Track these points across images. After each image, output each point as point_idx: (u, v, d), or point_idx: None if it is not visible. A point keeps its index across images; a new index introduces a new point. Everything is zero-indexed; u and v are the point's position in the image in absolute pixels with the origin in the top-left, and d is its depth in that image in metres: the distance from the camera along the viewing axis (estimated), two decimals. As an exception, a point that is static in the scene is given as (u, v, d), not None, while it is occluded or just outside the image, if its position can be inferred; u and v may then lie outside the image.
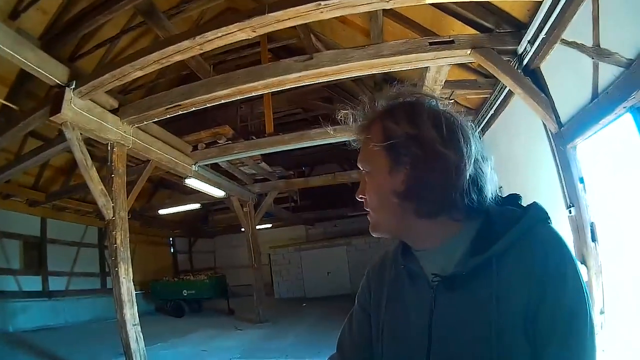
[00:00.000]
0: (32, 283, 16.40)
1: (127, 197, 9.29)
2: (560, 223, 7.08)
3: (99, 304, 17.48)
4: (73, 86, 7.49)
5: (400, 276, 1.57)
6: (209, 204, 19.53)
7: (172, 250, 28.15)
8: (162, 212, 19.65)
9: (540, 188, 7.96)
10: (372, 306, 1.65)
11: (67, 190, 16.10)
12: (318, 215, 26.21)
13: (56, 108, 7.47)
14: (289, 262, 25.85)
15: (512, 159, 9.20)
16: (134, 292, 8.64)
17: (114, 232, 8.57)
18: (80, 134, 8.24)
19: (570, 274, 1.25)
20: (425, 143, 1.36)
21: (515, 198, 1.52)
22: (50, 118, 7.64)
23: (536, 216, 1.37)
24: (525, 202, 1.50)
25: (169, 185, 20.01)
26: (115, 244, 8.51)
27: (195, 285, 20.61)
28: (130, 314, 8.38)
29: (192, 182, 12.96)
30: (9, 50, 6.38)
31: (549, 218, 1.37)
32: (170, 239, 27.89)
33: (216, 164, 13.52)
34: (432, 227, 1.43)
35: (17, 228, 16.15)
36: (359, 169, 1.57)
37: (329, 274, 24.57)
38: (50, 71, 7.20)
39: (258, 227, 19.58)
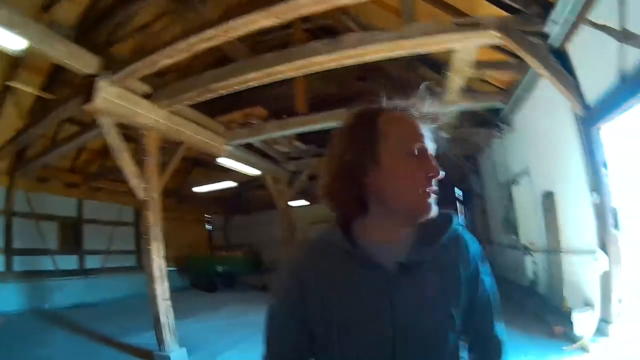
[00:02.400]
0: (69, 262, 16.97)
1: (160, 178, 9.58)
2: (584, 208, 7.10)
3: (134, 281, 17.58)
4: (105, 75, 7.65)
5: (347, 267, 1.56)
6: (245, 181, 19.52)
7: (207, 226, 28.46)
8: (197, 190, 19.77)
9: (567, 171, 7.97)
10: (310, 306, 1.58)
11: (103, 171, 16.54)
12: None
13: (88, 97, 7.66)
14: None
15: (541, 140, 9.26)
16: (165, 269, 8.99)
17: (146, 212, 8.92)
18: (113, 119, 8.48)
19: (486, 261, 1.74)
20: None
21: None
22: (83, 107, 7.88)
23: (457, 220, 1.69)
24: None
25: (205, 164, 20.00)
26: (148, 223, 8.87)
27: (228, 261, 21.02)
28: (161, 289, 8.75)
29: (225, 161, 13.15)
30: (38, 46, 6.58)
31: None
32: (206, 215, 28.13)
33: (250, 143, 13.54)
34: None
35: (54, 210, 16.73)
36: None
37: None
38: (81, 62, 7.37)
39: (294, 203, 19.93)
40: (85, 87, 7.82)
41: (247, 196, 27.39)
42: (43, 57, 8.68)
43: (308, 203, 24.62)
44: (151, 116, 9.02)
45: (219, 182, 18.54)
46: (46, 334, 11.20)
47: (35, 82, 11.57)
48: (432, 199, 1.53)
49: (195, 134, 10.93)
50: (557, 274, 9.29)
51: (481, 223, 17.63)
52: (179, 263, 21.35)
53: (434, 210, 1.54)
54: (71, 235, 17.51)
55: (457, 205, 24.43)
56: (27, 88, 11.20)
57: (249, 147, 13.99)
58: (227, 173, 16.71)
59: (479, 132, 12.34)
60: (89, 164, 16.98)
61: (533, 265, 11.07)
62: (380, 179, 1.53)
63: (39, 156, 13.06)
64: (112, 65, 7.79)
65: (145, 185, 8.94)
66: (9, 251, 14.69)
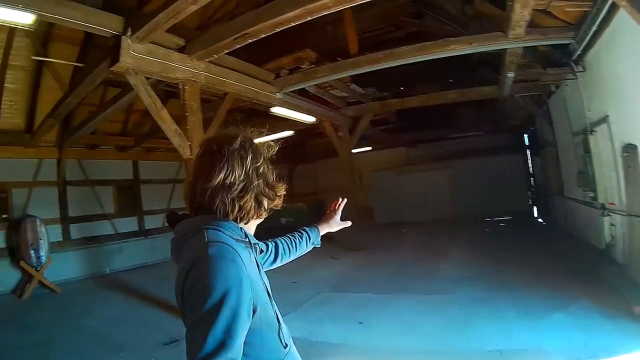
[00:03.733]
0: (128, 224, 17.32)
1: (206, 133, 9.11)
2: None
3: (197, 238, 17.73)
4: (129, 33, 7.26)
5: (252, 254, 1.99)
6: (306, 129, 19.05)
7: None
8: (254, 141, 19.13)
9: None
10: (254, 297, 1.78)
11: (155, 130, 16.01)
12: (417, 137, 25.21)
13: (115, 57, 7.38)
14: (389, 185, 25.02)
15: (619, 84, 8.13)
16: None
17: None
18: (147, 78, 8.17)
19: None
20: None
21: None
22: (111, 68, 7.64)
23: None
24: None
25: (262, 114, 19.58)
26: (194, 182, 8.38)
27: (293, 213, 19.91)
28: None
29: (278, 110, 12.79)
30: (52, 15, 6.47)
31: None
32: None
33: (304, 89, 13.03)
34: None
35: (109, 174, 17.06)
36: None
37: (429, 198, 23.50)
38: (101, 23, 7.09)
39: (357, 150, 19.80)
40: (112, 48, 7.56)
41: (311, 144, 27.37)
42: (71, 28, 8.31)
43: (370, 149, 24.44)
44: (187, 68, 8.60)
45: (276, 132, 17.84)
46: (99, 301, 11.39)
47: (69, 53, 11.50)
48: None
49: (241, 83, 10.45)
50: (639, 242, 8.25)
51: (554, 174, 15.97)
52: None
53: None
54: (129, 198, 17.75)
55: (525, 153, 22.83)
56: (57, 60, 11.19)
57: (303, 93, 13.51)
58: (285, 122, 15.99)
59: (549, 72, 11.17)
60: (139, 126, 17.05)
61: (611, 227, 9.87)
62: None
63: (84, 124, 13.10)
64: (136, 22, 7.31)
65: (189, 142, 8.58)
66: (65, 220, 15.17)
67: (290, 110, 13.19)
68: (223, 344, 1.54)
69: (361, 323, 7.76)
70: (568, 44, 9.67)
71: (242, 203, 1.94)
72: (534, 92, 14.22)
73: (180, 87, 8.71)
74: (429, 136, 24.64)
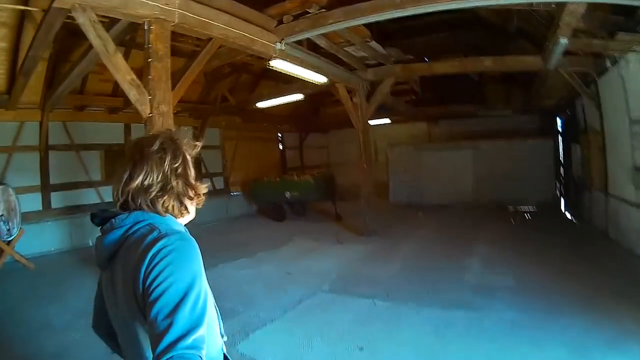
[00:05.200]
0: None
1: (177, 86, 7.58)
2: None
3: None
4: None
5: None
6: (320, 96, 18.01)
7: (280, 146, 26.96)
8: (260, 105, 17.98)
9: None
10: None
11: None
12: (441, 112, 23.39)
13: None
14: (407, 162, 23.35)
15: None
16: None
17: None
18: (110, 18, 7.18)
19: None
20: None
21: None
22: (53, 5, 6.12)
23: None
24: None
25: (273, 76, 17.98)
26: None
27: (298, 186, 18.59)
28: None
29: (279, 64, 10.72)
30: None
31: None
32: (279, 134, 26.63)
33: (316, 46, 11.31)
34: None
35: (97, 138, 16.12)
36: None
37: (450, 179, 21.70)
38: None
39: (375, 121, 19.21)
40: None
41: (325, 112, 26.08)
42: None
43: (389, 122, 23.40)
44: (155, 4, 6.82)
45: (285, 95, 16.83)
46: (72, 282, 10.41)
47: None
48: None
49: (231, 27, 8.57)
50: None
51: (596, 166, 13.90)
52: (246, 187, 20.31)
53: None
54: (117, 164, 15.98)
55: (557, 138, 20.66)
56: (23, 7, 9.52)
57: (315, 49, 11.68)
58: (295, 85, 14.98)
59: (619, 38, 9.31)
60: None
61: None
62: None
63: (61, 82, 12.03)
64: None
65: (150, 96, 6.75)
66: (46, 187, 14.40)
67: (294, 66, 11.22)
68: (196, 323, 1.61)
69: (362, 349, 5.98)
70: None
71: (162, 202, 1.97)
72: (584, 67, 12.24)
73: (146, 27, 6.94)
74: (454, 112, 22.99)
